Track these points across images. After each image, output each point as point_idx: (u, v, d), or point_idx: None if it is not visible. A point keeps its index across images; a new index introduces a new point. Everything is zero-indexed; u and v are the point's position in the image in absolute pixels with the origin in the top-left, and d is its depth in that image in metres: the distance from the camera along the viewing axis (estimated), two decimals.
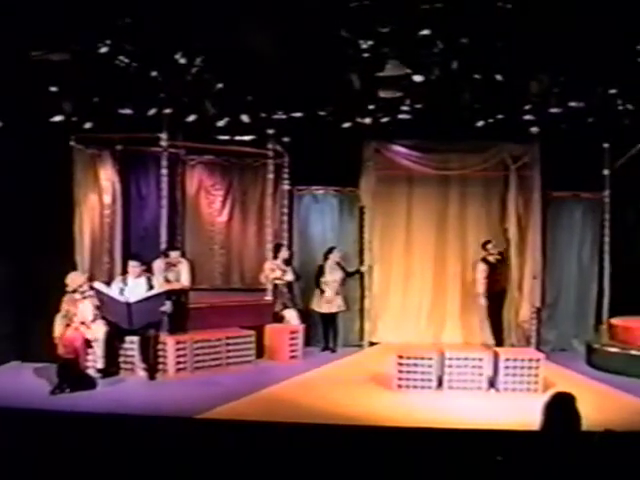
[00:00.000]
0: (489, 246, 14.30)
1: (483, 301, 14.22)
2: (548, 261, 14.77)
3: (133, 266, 12.05)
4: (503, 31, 9.50)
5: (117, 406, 9.94)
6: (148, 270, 12.39)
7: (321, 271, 14.35)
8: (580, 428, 5.01)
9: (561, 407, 5.04)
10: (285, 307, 14.05)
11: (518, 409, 9.67)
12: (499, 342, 14.00)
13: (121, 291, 11.83)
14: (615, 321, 13.65)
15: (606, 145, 14.00)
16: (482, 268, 14.21)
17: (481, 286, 14.19)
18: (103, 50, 9.78)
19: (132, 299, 11.65)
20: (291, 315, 14.04)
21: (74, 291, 11.51)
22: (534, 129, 13.72)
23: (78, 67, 10.21)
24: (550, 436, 4.98)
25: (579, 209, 15.04)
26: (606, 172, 14.21)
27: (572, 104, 11.74)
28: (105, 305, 11.62)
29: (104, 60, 10.05)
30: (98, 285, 11.88)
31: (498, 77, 10.77)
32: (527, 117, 12.56)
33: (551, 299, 14.88)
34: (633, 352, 12.57)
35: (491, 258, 14.25)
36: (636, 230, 14.77)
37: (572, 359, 13.57)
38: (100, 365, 11.54)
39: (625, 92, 11.44)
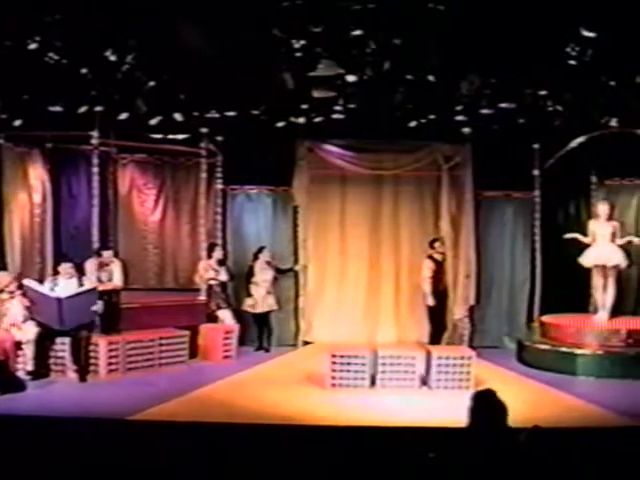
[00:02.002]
0: (436, 244, 14.43)
1: (430, 300, 14.31)
2: (480, 260, 14.94)
3: (65, 268, 11.85)
4: (435, 32, 9.58)
5: (47, 408, 9.80)
6: (80, 270, 12.22)
7: (251, 271, 14.33)
8: (506, 420, 5.07)
9: (483, 405, 5.10)
10: (219, 307, 13.99)
11: (450, 406, 9.75)
12: (436, 341, 14.10)
13: (52, 291, 11.64)
14: (546, 319, 13.86)
15: (536, 146, 14.21)
16: (429, 266, 14.32)
17: (427, 285, 14.29)
18: (32, 46, 9.64)
19: (63, 295, 11.44)
20: (225, 315, 13.98)
21: (1, 291, 11.33)
22: (466, 129, 13.92)
23: (7, 64, 10.05)
24: (477, 433, 5.03)
25: (510, 208, 15.27)
26: (536, 172, 14.42)
27: (503, 105, 11.91)
28: (35, 304, 11.44)
29: (33, 57, 9.90)
30: (28, 282, 11.69)
31: (430, 78, 10.86)
32: (459, 118, 12.72)
33: (483, 298, 15.05)
34: (563, 349, 12.78)
35: (437, 256, 14.38)
36: (566, 229, 15.01)
37: (504, 356, 13.71)
38: (30, 367, 11.34)
39: (555, 94, 11.63)
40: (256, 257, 14.35)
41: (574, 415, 9.74)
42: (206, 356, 13.31)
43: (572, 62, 10.08)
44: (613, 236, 13.33)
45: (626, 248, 13.49)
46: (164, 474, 6.86)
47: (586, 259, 13.44)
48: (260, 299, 14.27)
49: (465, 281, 14.66)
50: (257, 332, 14.49)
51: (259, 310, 14.33)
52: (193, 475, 6.89)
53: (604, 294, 13.51)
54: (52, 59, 9.98)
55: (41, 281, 12.21)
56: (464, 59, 10.30)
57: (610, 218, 13.52)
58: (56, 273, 12.11)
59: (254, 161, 14.28)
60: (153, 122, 12.50)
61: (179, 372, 12.27)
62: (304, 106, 12.35)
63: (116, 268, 12.81)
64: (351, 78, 10.79)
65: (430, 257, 14.39)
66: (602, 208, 13.58)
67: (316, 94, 11.37)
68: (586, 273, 13.81)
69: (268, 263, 14.34)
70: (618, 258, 13.29)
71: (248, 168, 14.53)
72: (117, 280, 12.73)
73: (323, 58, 10.08)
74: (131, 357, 12.10)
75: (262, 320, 14.45)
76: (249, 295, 14.32)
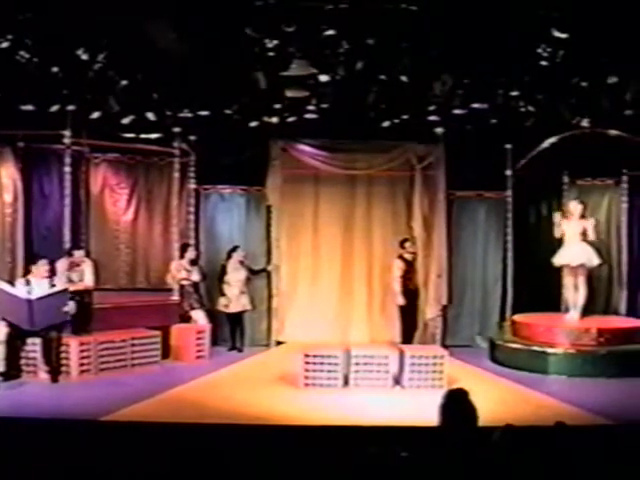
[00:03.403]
0: (407, 244, 14.45)
1: (401, 299, 14.33)
2: (453, 260, 15.01)
3: (42, 265, 11.70)
4: (407, 32, 9.61)
5: (19, 410, 9.73)
6: (51, 270, 12.11)
7: (224, 270, 14.30)
8: (476, 421, 5.08)
9: (455, 404, 5.11)
10: (192, 307, 13.94)
11: (423, 405, 9.76)
12: (408, 340, 14.13)
13: (28, 293, 11.50)
14: (517, 318, 13.93)
15: (508, 146, 14.28)
16: (399, 265, 14.34)
17: (398, 284, 14.32)
18: (3, 45, 9.58)
19: (33, 297, 11.34)
20: (198, 315, 13.93)
21: None
22: (439, 130, 13.97)
23: None
24: (448, 433, 5.05)
25: (482, 208, 15.34)
26: (508, 172, 14.49)
27: (475, 105, 11.96)
28: (5, 305, 11.33)
29: (4, 55, 9.83)
30: None
31: (403, 78, 10.89)
32: (432, 118, 12.76)
33: (456, 297, 15.11)
34: (535, 348, 12.84)
35: (407, 256, 14.41)
36: (537, 229, 15.15)
37: (476, 355, 13.77)
38: (1, 368, 11.24)
39: (526, 94, 11.71)
40: (229, 256, 14.31)
41: (546, 413, 9.78)
42: (179, 356, 13.25)
43: (544, 63, 10.15)
44: (584, 235, 13.42)
45: (597, 247, 13.60)
46: (137, 475, 6.83)
47: (557, 258, 13.54)
48: (234, 299, 14.24)
49: (437, 281, 14.72)
50: (230, 332, 14.44)
51: (233, 310, 14.29)
52: (166, 476, 6.87)
53: (575, 293, 13.61)
54: (23, 58, 9.92)
55: (11, 281, 12.08)
56: (437, 59, 10.35)
57: (582, 217, 13.60)
58: (27, 273, 11.99)
59: (227, 161, 14.25)
60: (125, 121, 12.44)
61: (152, 372, 12.22)
62: (277, 106, 12.35)
63: (87, 268, 12.72)
64: (324, 78, 10.81)
65: (400, 257, 14.42)
66: (574, 206, 13.65)
67: (289, 94, 11.38)
68: (557, 272, 13.92)
69: (241, 263, 14.30)
70: (588, 257, 13.38)
71: (221, 168, 14.49)
72: (88, 280, 12.65)
73: (296, 58, 10.09)
74: (103, 358, 12.02)
75: (235, 320, 14.40)
76: (222, 294, 14.29)
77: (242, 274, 14.28)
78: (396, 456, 5.25)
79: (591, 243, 13.50)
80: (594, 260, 13.43)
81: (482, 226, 15.35)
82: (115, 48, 9.97)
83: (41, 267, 11.66)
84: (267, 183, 14.80)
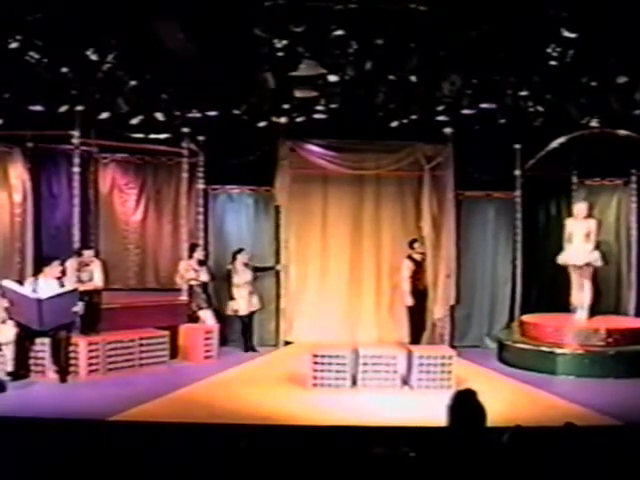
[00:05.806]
0: (416, 244, 14.46)
1: (409, 299, 14.34)
2: (461, 260, 14.98)
3: (55, 266, 11.72)
4: (416, 32, 9.61)
5: (28, 409, 9.73)
6: (62, 271, 12.13)
7: (231, 273, 14.27)
8: (484, 421, 5.07)
9: (463, 404, 5.10)
10: (200, 307, 13.95)
11: (431, 406, 9.75)
12: (416, 341, 14.13)
13: (33, 292, 11.53)
14: (526, 318, 13.90)
15: (517, 146, 14.25)
16: (408, 265, 14.36)
17: (407, 284, 14.33)
18: (13, 46, 9.60)
19: (43, 296, 11.36)
20: (207, 315, 13.94)
21: None
22: (447, 130, 13.96)
23: None
24: (457, 433, 5.04)
25: (491, 209, 15.31)
26: (517, 172, 14.46)
27: (484, 105, 11.94)
28: (14, 305, 11.34)
29: (14, 56, 9.85)
30: (7, 283, 11.59)
31: (412, 78, 10.88)
32: (440, 118, 12.75)
33: (464, 297, 15.08)
34: (543, 349, 12.82)
35: (416, 256, 14.41)
36: (546, 229, 15.12)
37: (484, 356, 13.77)
38: (10, 368, 11.23)
39: (535, 94, 11.69)
40: (234, 258, 14.30)
41: (555, 414, 9.76)
42: (187, 356, 13.27)
43: (553, 63, 10.13)
44: (588, 236, 13.42)
45: (601, 247, 13.61)
46: (144, 475, 6.83)
47: (561, 258, 13.55)
48: (244, 301, 14.20)
49: (446, 281, 14.69)
50: (243, 333, 14.39)
51: (244, 312, 14.26)
52: (173, 476, 6.87)
53: (580, 293, 13.60)
54: (33, 58, 9.94)
55: (20, 281, 12.11)
56: (445, 59, 10.34)
57: (588, 217, 13.59)
58: (36, 273, 12.02)
59: (236, 161, 14.23)
60: (134, 122, 12.46)
61: (160, 372, 12.24)
62: (286, 106, 12.37)
63: (96, 268, 12.75)
64: (333, 78, 10.81)
65: (409, 257, 14.43)
66: (579, 207, 13.72)
67: (298, 94, 11.38)
68: (566, 273, 13.87)
69: (246, 265, 14.28)
70: (591, 257, 13.38)
71: (230, 168, 14.46)
72: (97, 280, 12.67)
73: (305, 58, 10.09)
74: (111, 357, 12.04)
75: (248, 320, 14.40)
76: (232, 298, 14.25)
77: (249, 275, 14.27)
78: (404, 456, 5.24)
79: (597, 244, 13.50)
80: (597, 261, 13.43)
81: (491, 226, 15.32)
82: (124, 48, 9.98)
83: (55, 268, 11.71)
84: (275, 183, 14.79)
